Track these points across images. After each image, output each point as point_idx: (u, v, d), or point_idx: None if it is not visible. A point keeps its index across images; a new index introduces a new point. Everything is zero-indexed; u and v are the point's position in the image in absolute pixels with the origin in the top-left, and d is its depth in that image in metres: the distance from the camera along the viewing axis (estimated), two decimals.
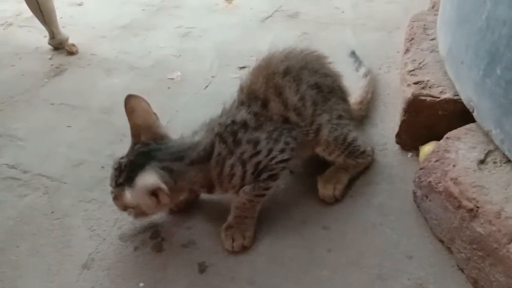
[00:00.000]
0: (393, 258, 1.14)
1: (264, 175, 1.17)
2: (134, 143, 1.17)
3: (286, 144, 1.19)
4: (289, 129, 1.20)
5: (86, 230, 1.29)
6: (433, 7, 1.88)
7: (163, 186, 1.05)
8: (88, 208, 1.35)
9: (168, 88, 1.85)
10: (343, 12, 2.35)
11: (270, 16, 2.35)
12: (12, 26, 2.46)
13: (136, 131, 1.18)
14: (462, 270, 1.08)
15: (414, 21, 1.73)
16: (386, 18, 2.23)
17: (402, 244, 1.17)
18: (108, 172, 1.43)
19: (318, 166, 1.39)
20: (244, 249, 1.19)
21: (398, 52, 1.91)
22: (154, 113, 1.20)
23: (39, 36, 2.28)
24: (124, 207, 1.16)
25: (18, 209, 1.36)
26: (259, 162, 1.16)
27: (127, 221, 1.30)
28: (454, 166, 1.10)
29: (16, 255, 1.23)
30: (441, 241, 1.15)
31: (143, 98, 1.21)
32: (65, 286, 1.15)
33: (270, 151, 1.16)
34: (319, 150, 1.29)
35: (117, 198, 1.15)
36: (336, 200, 1.28)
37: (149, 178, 1.05)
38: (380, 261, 1.14)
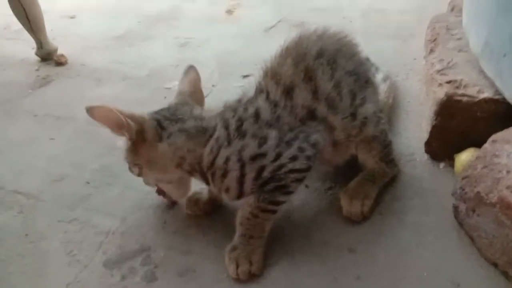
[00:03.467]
0: (437, 286, 0.94)
1: (270, 186, 0.97)
2: None
3: (300, 151, 0.98)
4: (307, 133, 1.00)
5: (65, 256, 1.08)
6: (452, 9, 1.73)
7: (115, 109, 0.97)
8: (68, 230, 1.14)
9: (165, 97, 1.67)
10: (351, 21, 2.21)
11: (274, 26, 2.22)
12: None
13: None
14: None
15: (435, 22, 1.58)
16: (398, 27, 2.09)
17: (445, 269, 0.97)
18: (93, 188, 1.27)
19: (337, 179, 1.21)
20: (252, 277, 0.99)
21: (415, 59, 1.77)
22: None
23: (26, 48, 2.13)
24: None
25: None
26: (262, 168, 0.96)
27: (114, 245, 1.10)
28: (508, 172, 0.91)
29: None
30: (494, 264, 0.95)
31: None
32: None
33: (278, 156, 0.97)
34: (360, 147, 1.11)
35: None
36: (364, 218, 1.09)
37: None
38: None
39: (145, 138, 1.01)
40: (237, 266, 0.98)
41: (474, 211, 0.98)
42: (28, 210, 1.21)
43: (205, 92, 1.66)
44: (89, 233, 1.13)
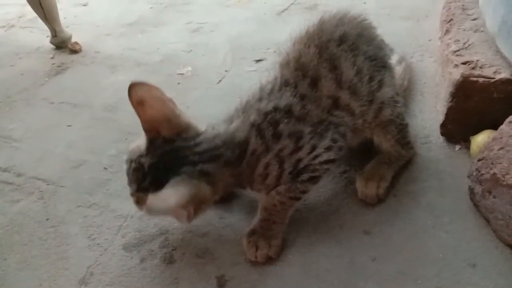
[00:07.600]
0: (453, 267, 0.95)
1: (304, 176, 0.97)
2: (150, 139, 0.95)
3: (333, 142, 0.98)
4: (336, 124, 1.00)
5: (85, 239, 1.11)
6: None
7: (187, 203, 0.87)
8: (88, 214, 1.17)
9: (178, 83, 1.69)
10: (364, 3, 2.18)
11: (286, 9, 2.19)
12: (14, 28, 2.32)
13: (150, 126, 0.94)
14: None
15: (450, 2, 1.55)
16: (412, 7, 2.05)
17: (462, 250, 0.98)
18: (111, 174, 1.29)
19: (352, 162, 1.21)
20: (270, 260, 1.00)
21: (430, 40, 1.74)
22: (170, 100, 0.96)
23: (41, 36, 2.14)
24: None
25: (8, 217, 1.19)
26: (299, 160, 0.96)
27: (133, 228, 1.12)
28: None
29: (3, 269, 1.06)
30: (510, 246, 0.95)
31: (152, 84, 0.95)
32: None
33: (313, 147, 0.96)
34: (376, 131, 1.10)
35: (140, 203, 0.96)
36: (379, 200, 1.09)
37: (170, 195, 0.86)
38: (438, 270, 0.94)
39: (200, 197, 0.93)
40: (256, 249, 0.99)
41: (490, 192, 0.98)
42: (48, 196, 1.24)
43: (217, 77, 1.70)
44: (108, 217, 1.16)
